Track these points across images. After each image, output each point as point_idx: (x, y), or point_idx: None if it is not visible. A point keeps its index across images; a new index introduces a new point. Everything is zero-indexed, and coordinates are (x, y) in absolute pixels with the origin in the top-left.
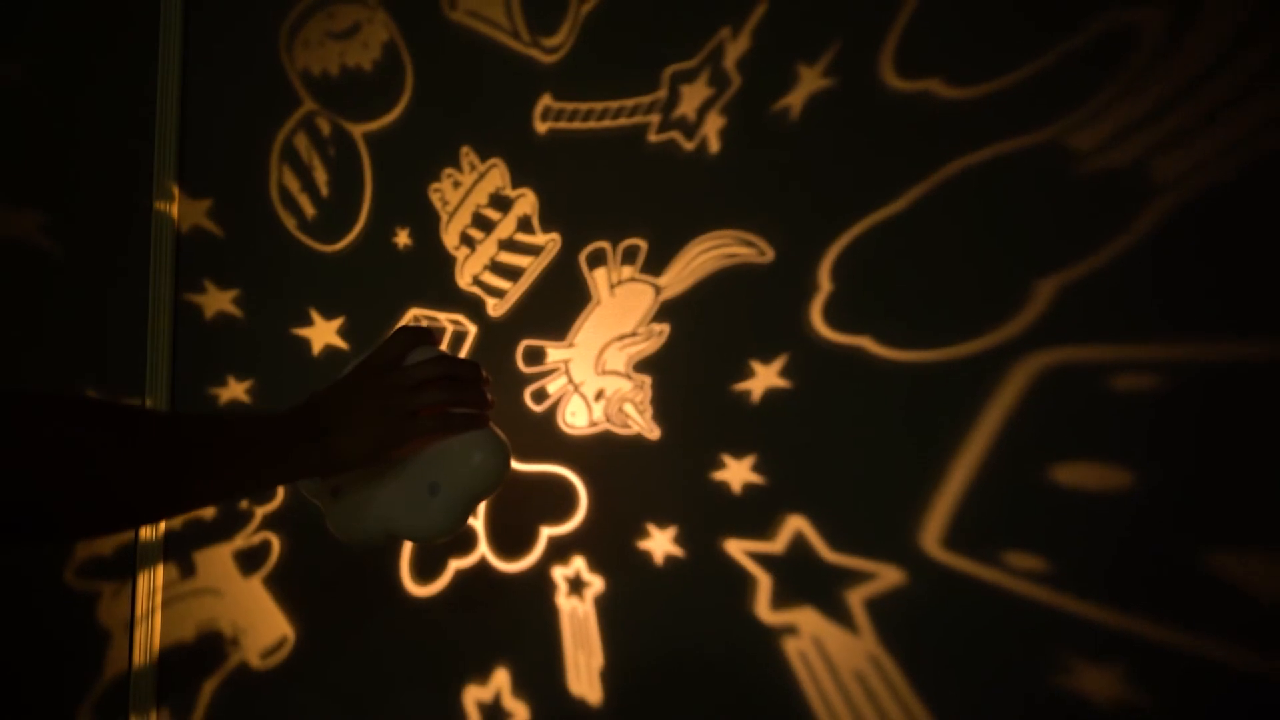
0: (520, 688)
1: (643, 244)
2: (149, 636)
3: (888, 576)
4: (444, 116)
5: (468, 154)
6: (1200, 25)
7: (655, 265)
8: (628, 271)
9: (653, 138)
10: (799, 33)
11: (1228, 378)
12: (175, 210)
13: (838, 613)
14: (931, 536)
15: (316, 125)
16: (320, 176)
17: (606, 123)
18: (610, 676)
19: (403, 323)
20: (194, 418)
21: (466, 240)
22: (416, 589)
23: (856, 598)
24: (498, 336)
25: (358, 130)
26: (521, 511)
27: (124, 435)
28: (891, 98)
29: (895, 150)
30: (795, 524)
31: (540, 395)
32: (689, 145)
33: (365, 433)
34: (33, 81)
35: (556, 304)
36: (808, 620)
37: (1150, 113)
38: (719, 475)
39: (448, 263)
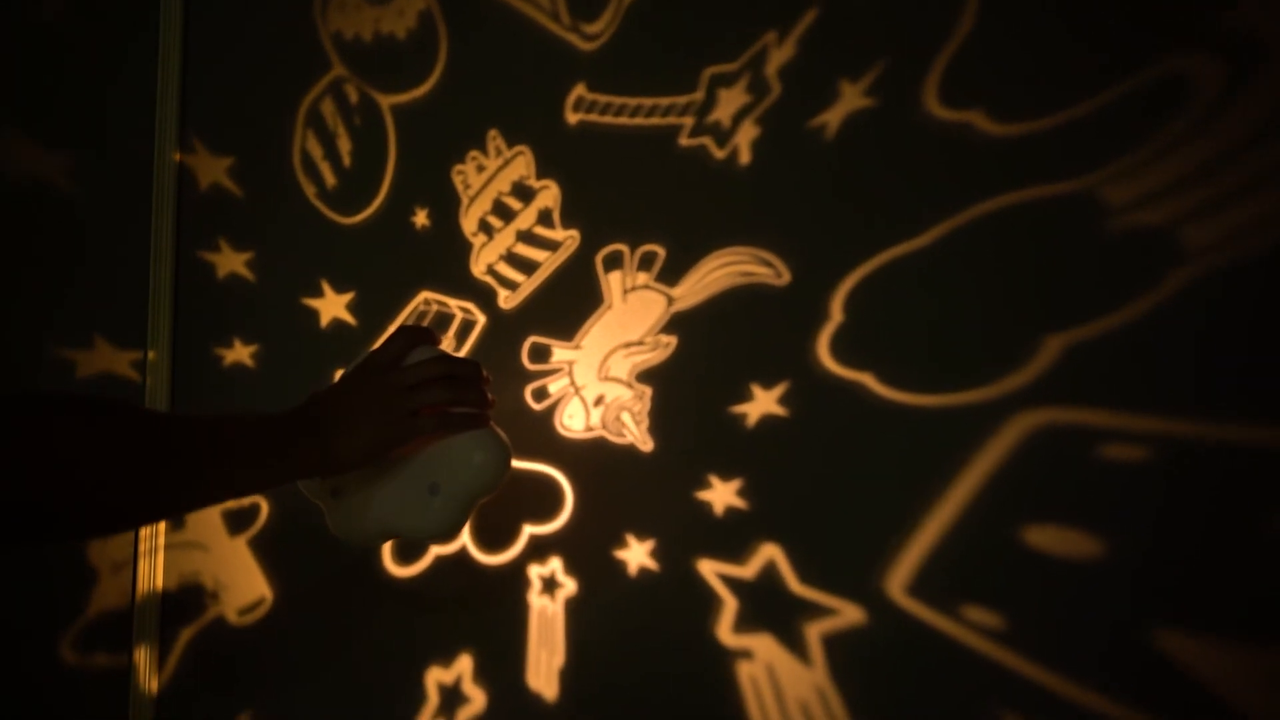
0: (481, 676)
1: (661, 251)
2: (152, 573)
3: (848, 614)
4: (474, 96)
5: (495, 138)
6: (1255, 86)
7: (671, 274)
8: (643, 278)
9: (684, 141)
10: (846, 46)
11: (1218, 461)
12: (176, 156)
13: (794, 643)
14: (897, 581)
15: (344, 92)
16: (344, 145)
17: (639, 120)
18: (568, 676)
19: (413, 305)
20: (193, 419)
21: (485, 227)
22: (396, 569)
23: (815, 631)
24: (506, 329)
25: (385, 101)
26: (507, 507)
27: (121, 438)
28: (931, 126)
29: (927, 182)
30: (769, 552)
31: (541, 394)
32: (720, 153)
33: (365, 432)
34: (65, 18)
35: (568, 303)
36: (764, 647)
37: (1191, 174)
38: (704, 495)
39: (464, 248)
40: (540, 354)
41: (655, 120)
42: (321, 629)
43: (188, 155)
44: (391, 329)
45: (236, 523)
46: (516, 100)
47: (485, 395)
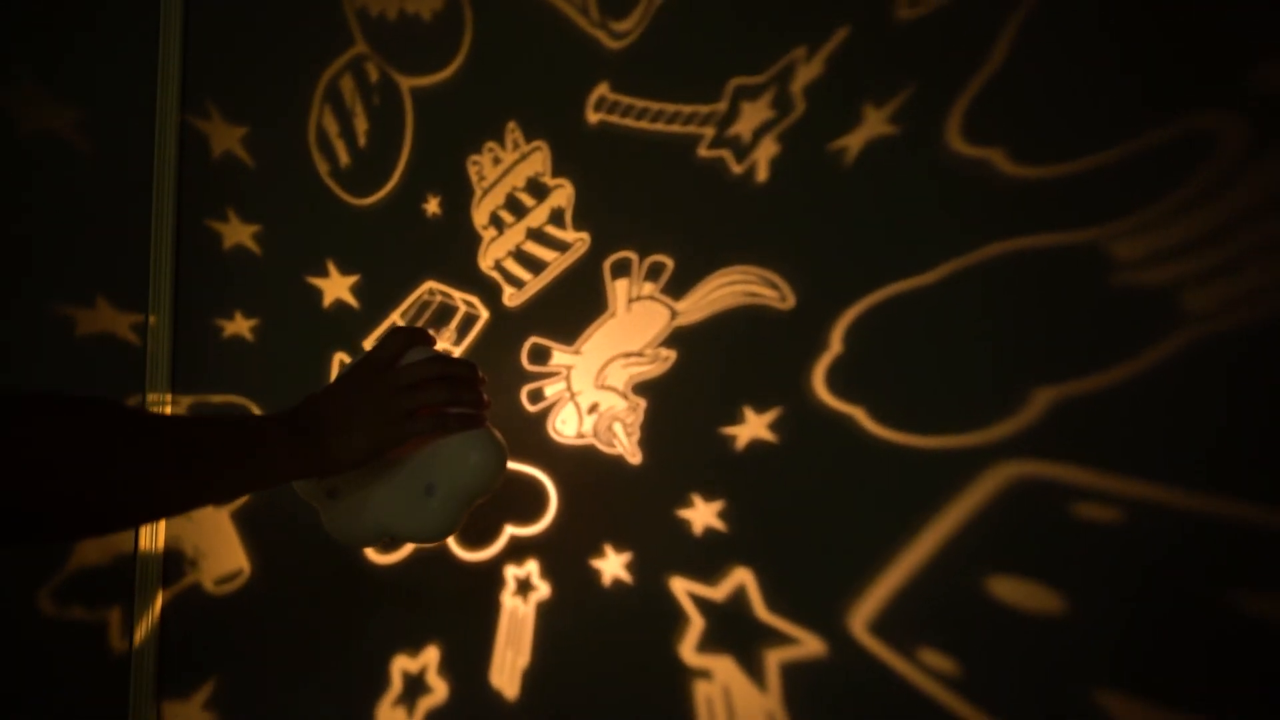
0: (446, 668)
1: (669, 262)
2: (154, 532)
3: (809, 645)
4: (496, 85)
5: (513, 130)
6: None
7: (676, 287)
8: (649, 288)
9: (702, 152)
10: (874, 69)
11: (1190, 532)
12: (176, 117)
13: (753, 668)
14: (861, 617)
15: (365, 70)
16: (360, 125)
17: (659, 126)
18: (530, 678)
19: (416, 294)
20: (187, 419)
21: (496, 221)
22: (374, 555)
23: (775, 658)
24: (508, 327)
25: (406, 83)
26: (491, 506)
27: (111, 438)
28: (950, 160)
29: (941, 218)
30: (741, 576)
31: (536, 396)
32: (737, 168)
33: (362, 433)
34: None
35: (572, 307)
36: (723, 668)
37: (1202, 236)
38: (684, 513)
39: (473, 241)
40: (540, 355)
41: (676, 128)
42: (294, 606)
43: (202, 121)
44: (395, 316)
45: None
46: (538, 94)
47: (481, 396)
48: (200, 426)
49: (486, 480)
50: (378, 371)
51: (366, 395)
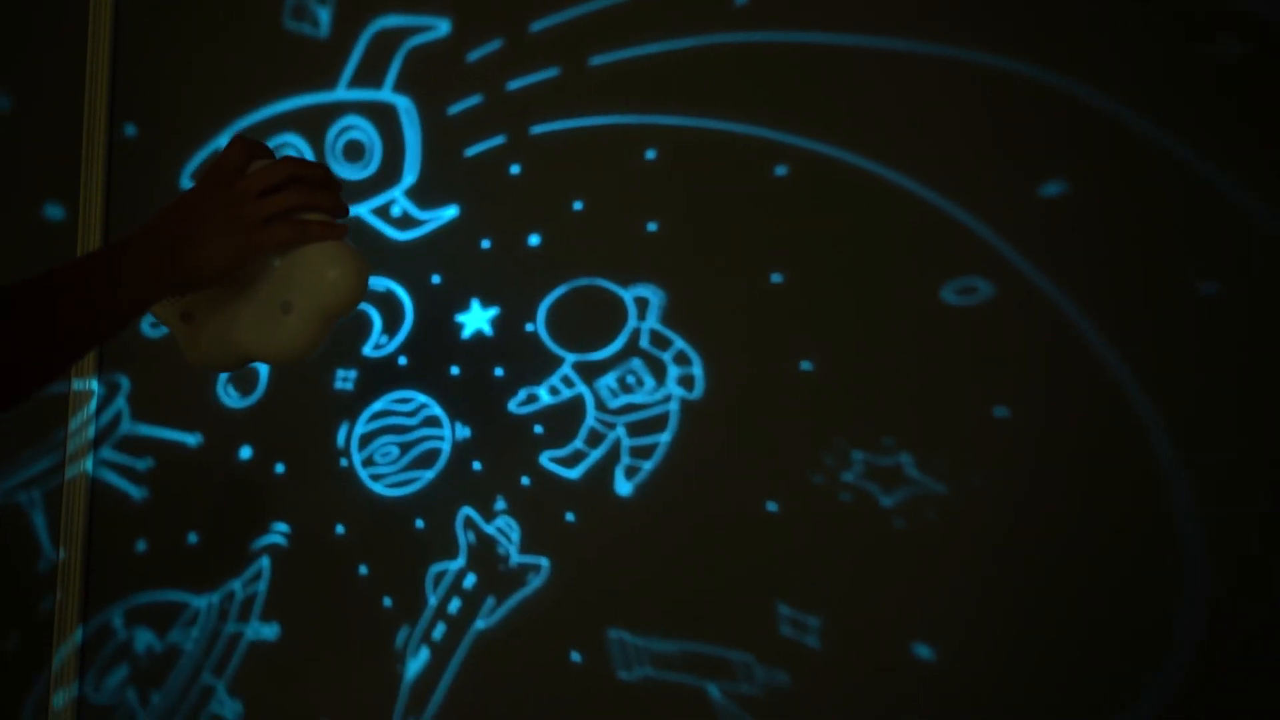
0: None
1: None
2: None
3: None
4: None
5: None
6: None
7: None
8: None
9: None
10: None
11: None
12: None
13: None
14: None
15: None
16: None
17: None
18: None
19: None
20: (24, 281)
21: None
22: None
23: None
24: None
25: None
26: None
27: None
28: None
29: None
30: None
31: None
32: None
33: (217, 243)
34: None
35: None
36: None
37: None
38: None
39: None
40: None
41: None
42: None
43: None
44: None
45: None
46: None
47: (340, 201)
48: (50, 281)
49: (345, 297)
50: (227, 179)
51: (218, 204)
